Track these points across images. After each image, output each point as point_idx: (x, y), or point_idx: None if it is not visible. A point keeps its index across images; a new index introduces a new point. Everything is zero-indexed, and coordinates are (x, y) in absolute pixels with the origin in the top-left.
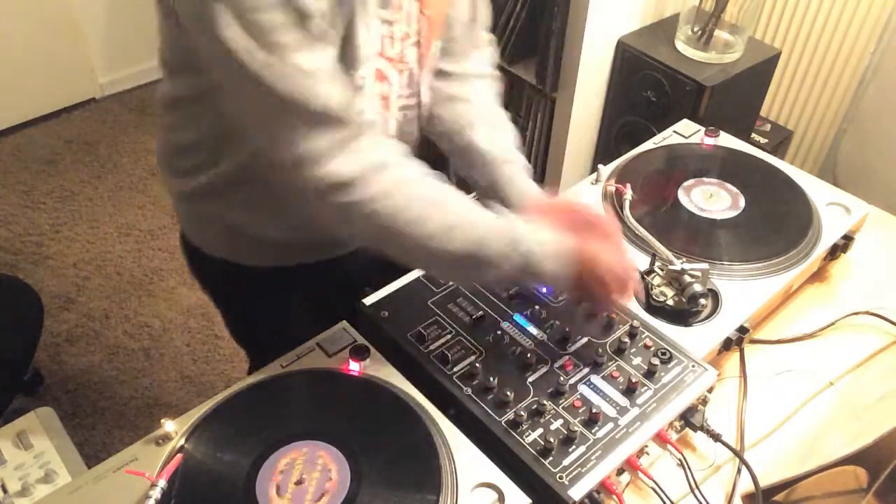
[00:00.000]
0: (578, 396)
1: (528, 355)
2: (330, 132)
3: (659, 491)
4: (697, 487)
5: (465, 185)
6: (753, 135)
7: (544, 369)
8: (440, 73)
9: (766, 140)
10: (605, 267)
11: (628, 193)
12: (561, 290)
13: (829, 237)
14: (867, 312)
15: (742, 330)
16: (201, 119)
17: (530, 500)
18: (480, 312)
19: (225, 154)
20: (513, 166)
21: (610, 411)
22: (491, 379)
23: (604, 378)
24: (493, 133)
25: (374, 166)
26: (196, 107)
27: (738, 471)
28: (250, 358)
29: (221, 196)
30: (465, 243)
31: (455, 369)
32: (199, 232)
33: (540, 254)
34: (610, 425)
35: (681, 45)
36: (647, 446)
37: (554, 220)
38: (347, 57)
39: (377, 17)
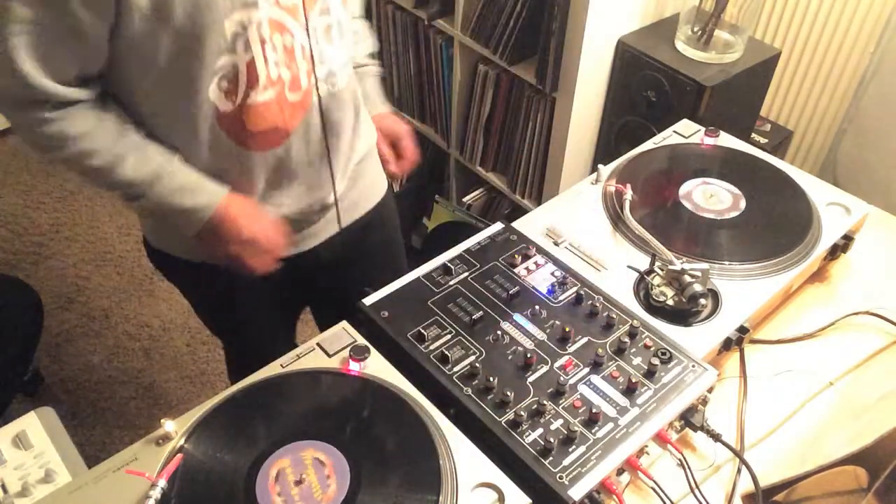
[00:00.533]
0: (578, 396)
1: (528, 355)
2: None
3: (659, 491)
4: (697, 487)
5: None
6: (753, 135)
7: (544, 369)
8: None
9: (766, 140)
10: (245, 233)
11: (628, 193)
12: (192, 235)
13: (829, 237)
14: (867, 312)
15: (742, 330)
16: None
17: (530, 500)
18: (480, 312)
19: None
20: (366, 69)
21: (610, 411)
22: (491, 379)
23: (604, 378)
24: (356, 44)
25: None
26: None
27: (738, 471)
28: (227, 351)
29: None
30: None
31: (455, 369)
32: (161, 235)
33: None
34: (610, 425)
35: (681, 45)
36: (647, 446)
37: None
38: (201, 18)
39: None
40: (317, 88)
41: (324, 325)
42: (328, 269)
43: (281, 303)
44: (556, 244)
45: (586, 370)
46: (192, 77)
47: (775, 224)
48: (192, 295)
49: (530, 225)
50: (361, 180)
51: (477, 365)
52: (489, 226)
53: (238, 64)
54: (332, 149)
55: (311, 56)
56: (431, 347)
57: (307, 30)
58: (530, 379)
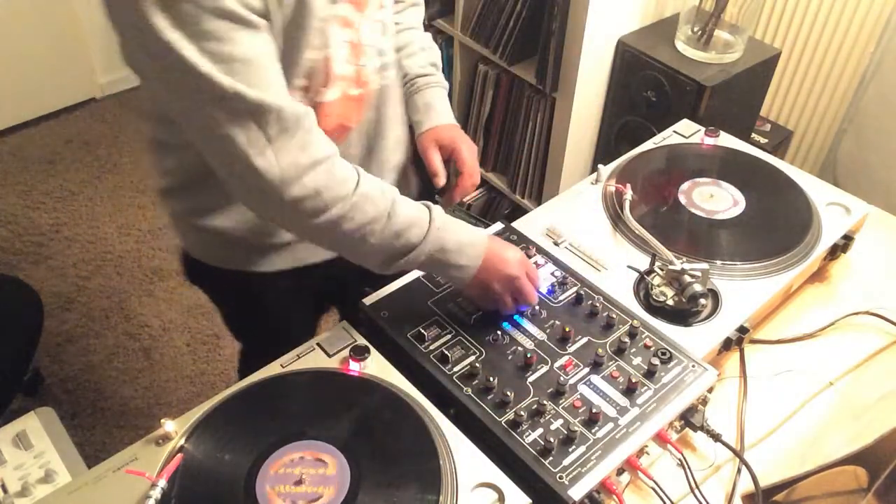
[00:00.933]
0: (578, 396)
1: (528, 355)
2: (263, 125)
3: (659, 491)
4: (697, 487)
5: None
6: (753, 135)
7: (544, 369)
8: None
9: (766, 140)
10: (511, 266)
11: (628, 193)
12: (465, 287)
13: (829, 237)
14: (867, 312)
15: (742, 330)
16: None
17: (530, 500)
18: (480, 312)
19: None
20: (426, 79)
21: (610, 411)
22: (491, 379)
23: (604, 378)
24: (415, 55)
25: (302, 166)
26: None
27: (738, 471)
28: (244, 353)
29: (194, 197)
30: (383, 235)
31: (455, 369)
32: (198, 245)
33: (453, 243)
34: (610, 425)
35: (681, 45)
36: (647, 446)
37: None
38: (302, 10)
39: None
40: (370, 82)
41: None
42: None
43: (311, 307)
44: (556, 244)
45: (586, 370)
46: (284, 72)
47: (775, 224)
48: (227, 304)
49: (530, 225)
50: (402, 185)
51: (477, 365)
52: (489, 226)
53: (316, 60)
54: (381, 147)
55: (370, 51)
56: (431, 347)
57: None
58: (530, 379)
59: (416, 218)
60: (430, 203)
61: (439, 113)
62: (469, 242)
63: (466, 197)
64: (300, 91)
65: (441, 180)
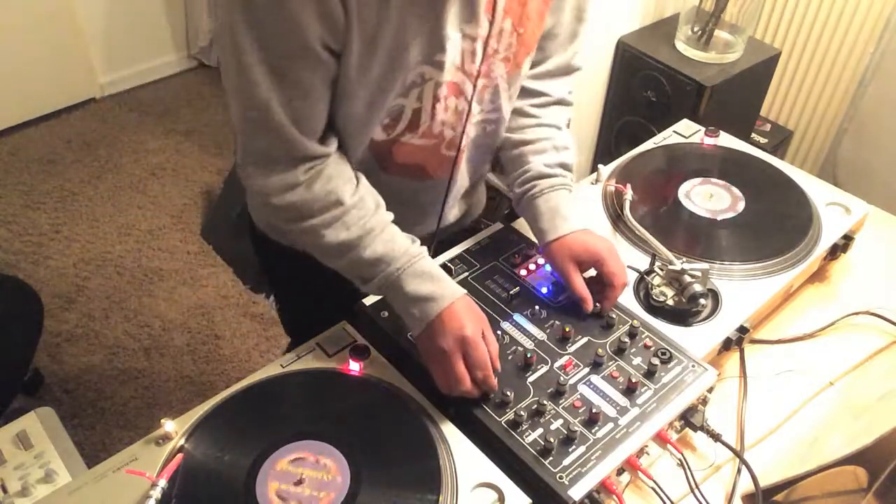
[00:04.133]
0: (578, 396)
1: (528, 355)
2: (291, 168)
3: (659, 491)
4: (697, 487)
5: None
6: (753, 135)
7: (544, 369)
8: (524, 90)
9: (766, 140)
10: (467, 331)
11: (628, 193)
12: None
13: (829, 237)
14: (867, 312)
15: (742, 330)
16: None
17: (530, 500)
18: None
19: None
20: (551, 180)
21: (610, 411)
22: None
23: (604, 378)
24: (546, 152)
25: (286, 185)
26: None
27: (738, 471)
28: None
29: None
30: (351, 259)
31: None
32: (260, 216)
33: (402, 305)
34: (610, 425)
35: (681, 45)
36: (647, 446)
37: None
38: (390, 67)
39: (458, 30)
40: (461, 150)
41: None
42: None
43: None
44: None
45: (586, 370)
46: (369, 118)
47: (775, 224)
48: (287, 287)
49: None
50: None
51: None
52: (489, 226)
53: (405, 107)
54: (450, 194)
55: (486, 120)
56: None
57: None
58: (530, 379)
59: (385, 256)
60: (414, 247)
61: (566, 219)
62: (428, 297)
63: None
64: (381, 127)
65: (590, 305)
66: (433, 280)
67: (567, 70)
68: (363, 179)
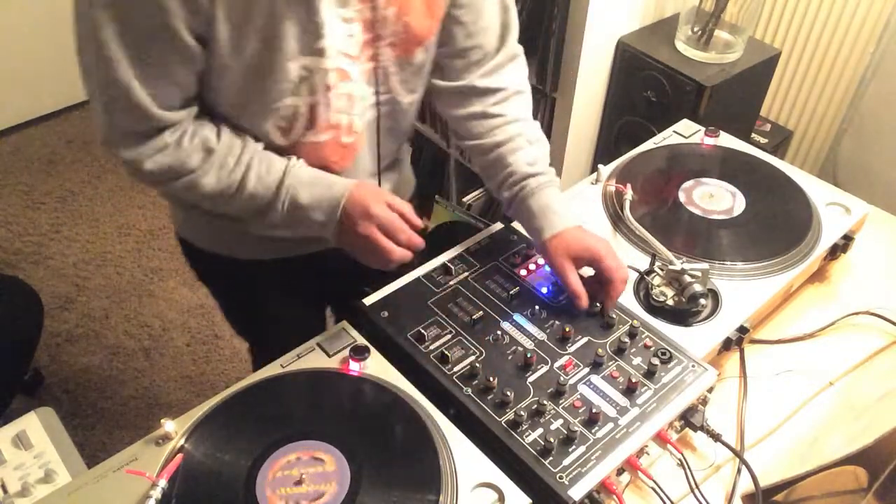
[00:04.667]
0: (578, 396)
1: (528, 355)
2: (137, 123)
3: (659, 491)
4: (697, 487)
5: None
6: (753, 135)
7: (544, 369)
8: (476, 90)
9: (766, 140)
10: (373, 207)
11: (628, 193)
12: (337, 243)
13: (829, 237)
14: (867, 312)
15: (742, 330)
16: None
17: (530, 500)
18: (480, 312)
19: None
20: (538, 179)
21: (610, 411)
22: (491, 379)
23: (604, 378)
24: (522, 149)
25: (156, 148)
26: None
27: (738, 471)
28: (252, 351)
29: None
30: (241, 205)
31: (455, 369)
32: (187, 225)
33: (306, 198)
34: (610, 425)
35: (681, 45)
36: (647, 446)
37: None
38: (266, 49)
39: (335, 15)
40: (378, 132)
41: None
42: (353, 269)
43: (308, 300)
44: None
45: (586, 370)
46: (254, 112)
47: (775, 224)
48: (221, 293)
49: None
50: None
51: (477, 365)
52: (489, 226)
53: (299, 107)
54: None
55: (378, 103)
56: (431, 347)
57: (375, 75)
58: (530, 379)
59: (272, 179)
60: (289, 162)
61: (560, 216)
62: (322, 197)
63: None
64: (278, 130)
65: (584, 302)
66: (322, 182)
67: (512, 57)
68: (223, 125)
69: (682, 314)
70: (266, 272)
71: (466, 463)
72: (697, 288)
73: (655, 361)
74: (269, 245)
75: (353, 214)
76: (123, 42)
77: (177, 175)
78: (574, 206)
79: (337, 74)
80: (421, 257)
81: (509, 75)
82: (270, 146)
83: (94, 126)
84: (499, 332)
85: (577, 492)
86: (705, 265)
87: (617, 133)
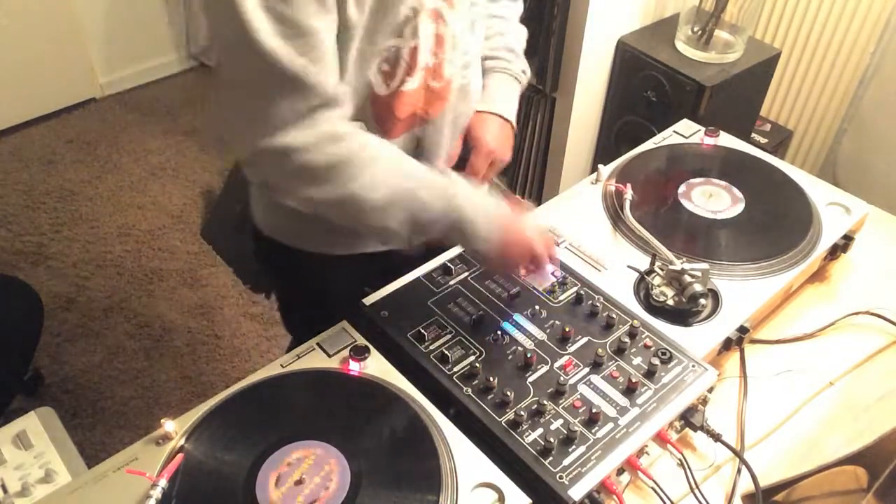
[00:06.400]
0: (578, 396)
1: (528, 355)
2: (297, 100)
3: (659, 491)
4: (697, 487)
5: None
6: (753, 135)
7: (544, 369)
8: None
9: (766, 140)
10: (529, 235)
11: (628, 193)
12: (485, 255)
13: (829, 237)
14: (867, 312)
15: (742, 330)
16: None
17: (530, 500)
18: (480, 312)
19: None
20: (493, 62)
21: (610, 411)
22: (491, 379)
23: (604, 378)
24: (491, 38)
25: (328, 137)
26: None
27: (738, 471)
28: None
29: None
30: (404, 209)
31: (455, 369)
32: (266, 215)
33: (472, 213)
34: (610, 425)
35: (681, 45)
36: (647, 446)
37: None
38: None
39: None
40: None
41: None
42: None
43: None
44: (557, 244)
45: (586, 370)
46: (364, 55)
47: (775, 224)
48: (291, 288)
49: None
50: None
51: (477, 365)
52: None
53: (402, 49)
54: (453, 144)
55: (456, 45)
56: (431, 347)
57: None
58: (530, 379)
59: (441, 189)
60: (453, 177)
61: (491, 100)
62: (488, 215)
63: (483, 175)
64: (382, 75)
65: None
66: (482, 197)
67: None
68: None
69: (682, 314)
70: (340, 266)
71: (466, 463)
72: (697, 288)
73: (655, 361)
74: (348, 240)
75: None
76: (264, 8)
77: (348, 178)
78: (572, 203)
79: (432, 15)
80: (422, 257)
81: None
82: (374, 97)
83: (228, 125)
84: (499, 332)
85: (577, 492)
86: (705, 265)
87: (617, 133)
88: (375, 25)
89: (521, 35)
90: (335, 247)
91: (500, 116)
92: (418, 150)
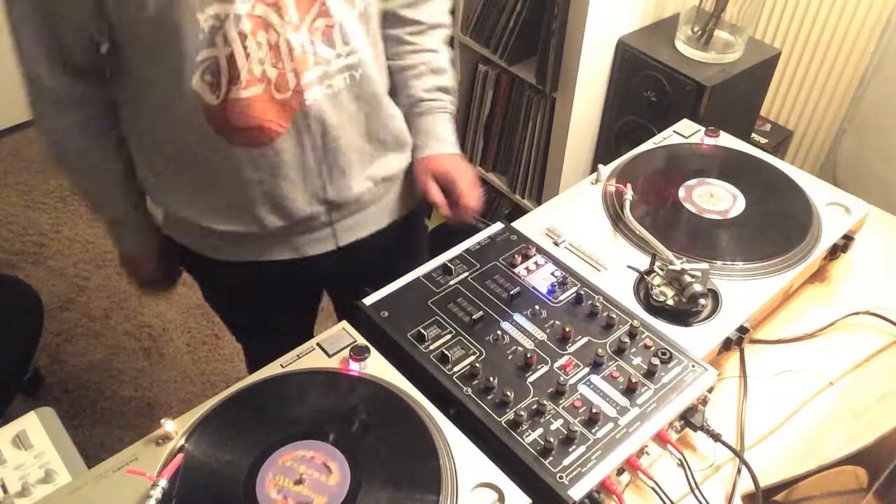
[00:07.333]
0: (578, 396)
1: (528, 355)
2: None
3: (659, 491)
4: (697, 487)
5: None
6: (753, 135)
7: (544, 369)
8: (397, 17)
9: (766, 140)
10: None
11: (628, 193)
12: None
13: (829, 237)
14: (867, 312)
15: (742, 330)
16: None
17: (530, 500)
18: (480, 312)
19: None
20: (430, 104)
21: (610, 411)
22: (491, 379)
23: (604, 378)
24: (424, 76)
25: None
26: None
27: (738, 471)
28: (244, 348)
29: (154, 184)
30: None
31: (455, 369)
32: (164, 221)
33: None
34: (610, 425)
35: (681, 45)
36: (647, 446)
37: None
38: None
39: None
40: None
41: (343, 317)
42: (332, 278)
43: (294, 302)
44: (556, 244)
45: (586, 370)
46: (175, 67)
47: (775, 224)
48: (206, 292)
49: (530, 225)
50: (376, 203)
51: (477, 365)
52: (489, 226)
53: (219, 57)
54: (337, 158)
55: (300, 57)
56: (431, 347)
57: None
58: (530, 379)
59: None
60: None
61: (440, 140)
62: None
63: (466, 220)
64: (207, 86)
65: (444, 210)
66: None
67: None
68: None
69: (682, 314)
70: (234, 274)
71: (466, 463)
72: (697, 288)
73: (655, 361)
74: (253, 247)
75: None
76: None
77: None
78: (572, 203)
79: (252, 23)
80: (422, 257)
81: (429, 10)
82: (206, 107)
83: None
84: (499, 332)
85: (577, 492)
86: (705, 265)
87: (617, 133)
88: (174, 39)
89: (448, 72)
90: (212, 252)
91: (453, 154)
92: (277, 164)
